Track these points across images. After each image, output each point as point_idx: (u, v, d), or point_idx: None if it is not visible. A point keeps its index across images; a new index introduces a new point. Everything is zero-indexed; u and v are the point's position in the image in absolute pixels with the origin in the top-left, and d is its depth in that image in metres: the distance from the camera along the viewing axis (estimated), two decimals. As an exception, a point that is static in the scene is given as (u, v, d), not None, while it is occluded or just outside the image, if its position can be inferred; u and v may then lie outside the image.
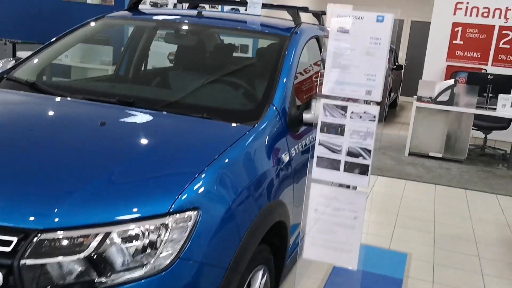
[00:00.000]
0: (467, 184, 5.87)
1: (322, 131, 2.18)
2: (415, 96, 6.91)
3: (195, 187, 1.88)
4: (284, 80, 2.75)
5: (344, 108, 2.13)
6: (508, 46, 7.80)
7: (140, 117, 2.37)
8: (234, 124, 2.40)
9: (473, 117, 6.70)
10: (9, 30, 8.60)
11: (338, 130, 2.16)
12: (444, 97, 6.65)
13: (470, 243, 4.17)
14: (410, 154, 6.92)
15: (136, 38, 3.62)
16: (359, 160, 2.15)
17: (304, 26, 3.33)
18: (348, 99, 2.16)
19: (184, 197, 1.81)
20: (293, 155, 2.65)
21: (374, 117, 2.10)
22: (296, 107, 2.82)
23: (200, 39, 3.25)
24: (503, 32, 7.78)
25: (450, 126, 6.80)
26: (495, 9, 7.78)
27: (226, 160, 2.10)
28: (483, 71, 7.87)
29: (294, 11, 3.33)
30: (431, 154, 6.83)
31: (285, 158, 2.54)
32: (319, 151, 2.19)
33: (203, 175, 1.94)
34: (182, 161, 2.05)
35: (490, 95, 6.53)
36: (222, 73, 2.96)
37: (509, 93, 6.58)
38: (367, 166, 2.15)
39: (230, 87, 2.84)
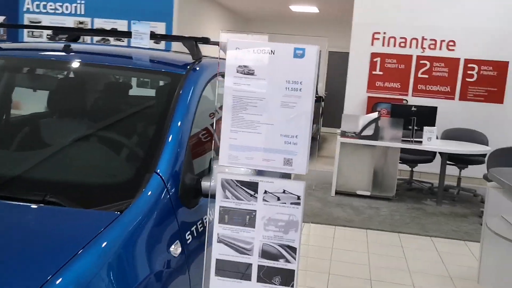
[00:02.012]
0: (400, 226, 5.33)
1: (221, 221, 1.42)
2: (338, 130, 6.39)
3: None
4: (175, 134, 1.98)
5: (253, 186, 1.40)
6: (426, 76, 7.53)
7: None
8: (93, 211, 1.59)
9: (399, 151, 6.25)
10: None
11: (246, 219, 1.41)
12: (369, 131, 6.16)
13: (413, 307, 3.54)
14: (337, 193, 6.33)
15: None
16: (280, 264, 1.41)
17: (207, 61, 2.57)
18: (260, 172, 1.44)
19: None
20: (188, 241, 1.86)
21: (299, 198, 1.38)
22: (193, 171, 2.06)
23: (64, 82, 2.42)
24: (421, 62, 7.52)
25: (377, 162, 6.31)
26: (412, 38, 7.52)
27: (68, 275, 1.29)
28: (404, 102, 7.56)
29: (192, 43, 2.57)
30: (358, 192, 6.29)
31: (176, 250, 1.75)
32: (218, 251, 1.43)
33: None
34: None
35: (415, 127, 6.13)
36: (89, 130, 2.12)
37: (433, 125, 6.22)
38: (293, 272, 1.41)
39: (97, 150, 2.02)
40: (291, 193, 1.36)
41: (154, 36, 2.72)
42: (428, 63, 7.51)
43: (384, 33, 7.60)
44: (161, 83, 2.45)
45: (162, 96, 2.29)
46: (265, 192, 1.38)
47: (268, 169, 1.38)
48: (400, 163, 6.56)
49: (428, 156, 6.63)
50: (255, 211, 1.39)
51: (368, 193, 6.28)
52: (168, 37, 2.86)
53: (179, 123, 2.03)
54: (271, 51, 1.34)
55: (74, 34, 3.02)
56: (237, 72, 1.36)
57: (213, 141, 2.49)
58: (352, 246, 4.70)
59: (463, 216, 5.80)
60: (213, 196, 1.68)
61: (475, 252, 4.69)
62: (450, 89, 7.41)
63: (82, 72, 2.45)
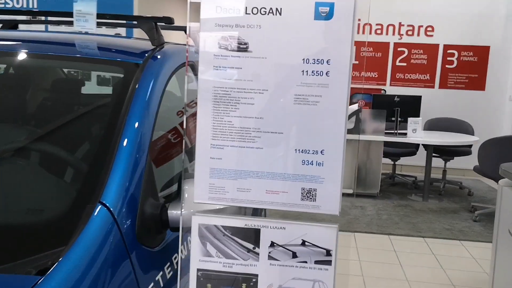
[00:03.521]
0: (389, 227, 4.85)
1: (202, 293, 0.86)
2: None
3: None
4: (129, 145, 1.41)
5: (252, 235, 0.85)
6: (404, 64, 7.10)
7: None
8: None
9: (383, 145, 5.79)
10: None
11: (242, 289, 0.86)
12: (350, 124, 5.66)
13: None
14: (317, 192, 5.82)
15: None
16: None
17: (170, 47, 1.98)
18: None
19: None
20: (153, 299, 1.29)
21: (329, 253, 0.84)
22: (156, 194, 1.49)
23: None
24: (399, 49, 7.08)
25: (360, 157, 5.84)
26: (388, 25, 7.06)
27: None
28: (382, 92, 7.11)
29: (151, 25, 1.98)
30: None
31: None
32: None
33: None
34: None
35: (399, 119, 5.67)
36: (2, 144, 1.49)
37: (418, 115, 5.78)
38: None
39: (12, 173, 1.40)
40: (316, 246, 0.82)
41: (102, 17, 2.11)
42: (406, 50, 7.08)
43: (359, 20, 7.10)
44: (111, 75, 1.86)
45: (112, 93, 1.71)
46: (272, 244, 0.82)
47: (275, 206, 0.82)
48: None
49: (411, 149, 6.19)
50: (257, 275, 0.83)
51: (351, 191, 5.77)
52: (120, 18, 2.25)
53: (134, 129, 1.45)
54: (277, 9, 0.78)
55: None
56: (220, 47, 0.79)
57: (183, 148, 1.90)
58: (340, 254, 4.18)
59: (453, 212, 5.38)
60: (187, 230, 1.11)
61: (473, 253, 4.26)
62: (430, 77, 7.00)
63: (4, 63, 1.83)
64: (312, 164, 0.81)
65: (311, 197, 0.81)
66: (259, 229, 0.82)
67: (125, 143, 1.38)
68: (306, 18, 0.78)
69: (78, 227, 1.16)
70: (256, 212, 0.93)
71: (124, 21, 2.37)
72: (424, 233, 4.72)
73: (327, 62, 0.79)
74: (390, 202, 5.65)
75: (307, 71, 0.79)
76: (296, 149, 0.81)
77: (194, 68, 2.06)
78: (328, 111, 0.79)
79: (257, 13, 0.78)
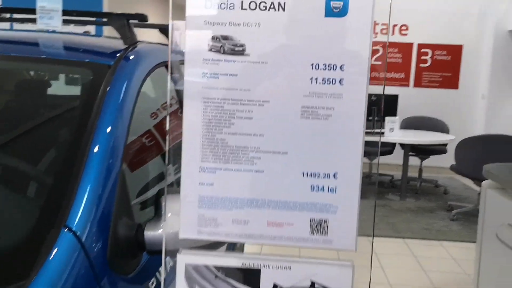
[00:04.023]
0: (369, 228, 4.77)
1: None
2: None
3: None
4: (99, 157, 1.24)
5: (252, 276, 0.70)
6: (379, 63, 7.04)
7: None
8: None
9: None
10: None
11: None
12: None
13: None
14: (294, 193, 5.71)
15: None
16: None
17: (144, 47, 1.81)
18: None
19: None
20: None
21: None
22: (131, 213, 1.33)
23: None
24: (374, 48, 7.01)
25: (336, 157, 5.74)
26: (363, 23, 7.01)
27: None
28: (357, 90, 7.04)
29: (122, 22, 1.80)
30: (318, 190, 5.69)
31: None
32: None
33: None
34: None
35: (376, 118, 5.59)
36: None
37: (395, 114, 5.73)
38: None
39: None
40: (328, 288, 0.68)
41: (68, 14, 1.93)
42: (381, 49, 7.01)
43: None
44: (78, 78, 1.68)
45: (80, 98, 1.53)
46: (275, 287, 0.68)
47: (278, 241, 0.68)
48: (359, 156, 6.02)
49: (388, 148, 6.13)
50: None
51: (328, 191, 5.69)
52: (89, 15, 2.06)
53: (105, 139, 1.28)
54: (279, 4, 0.64)
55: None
56: (211, 50, 0.65)
57: (166, 154, 1.76)
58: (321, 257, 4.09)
59: (430, 211, 5.34)
60: (170, 253, 0.95)
61: (453, 253, 4.22)
62: (405, 76, 6.97)
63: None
64: (323, 190, 0.67)
65: (321, 230, 0.68)
66: (259, 269, 0.68)
67: (95, 152, 1.22)
68: (315, 14, 0.64)
69: (40, 257, 0.99)
70: (231, 244, 0.78)
71: (93, 18, 2.20)
72: (404, 233, 4.65)
73: (340, 67, 0.65)
74: (368, 202, 5.52)
75: (316, 79, 0.65)
76: (303, 172, 0.66)
77: (171, 69, 1.87)
78: (342, 126, 0.65)
79: (255, 8, 0.64)
